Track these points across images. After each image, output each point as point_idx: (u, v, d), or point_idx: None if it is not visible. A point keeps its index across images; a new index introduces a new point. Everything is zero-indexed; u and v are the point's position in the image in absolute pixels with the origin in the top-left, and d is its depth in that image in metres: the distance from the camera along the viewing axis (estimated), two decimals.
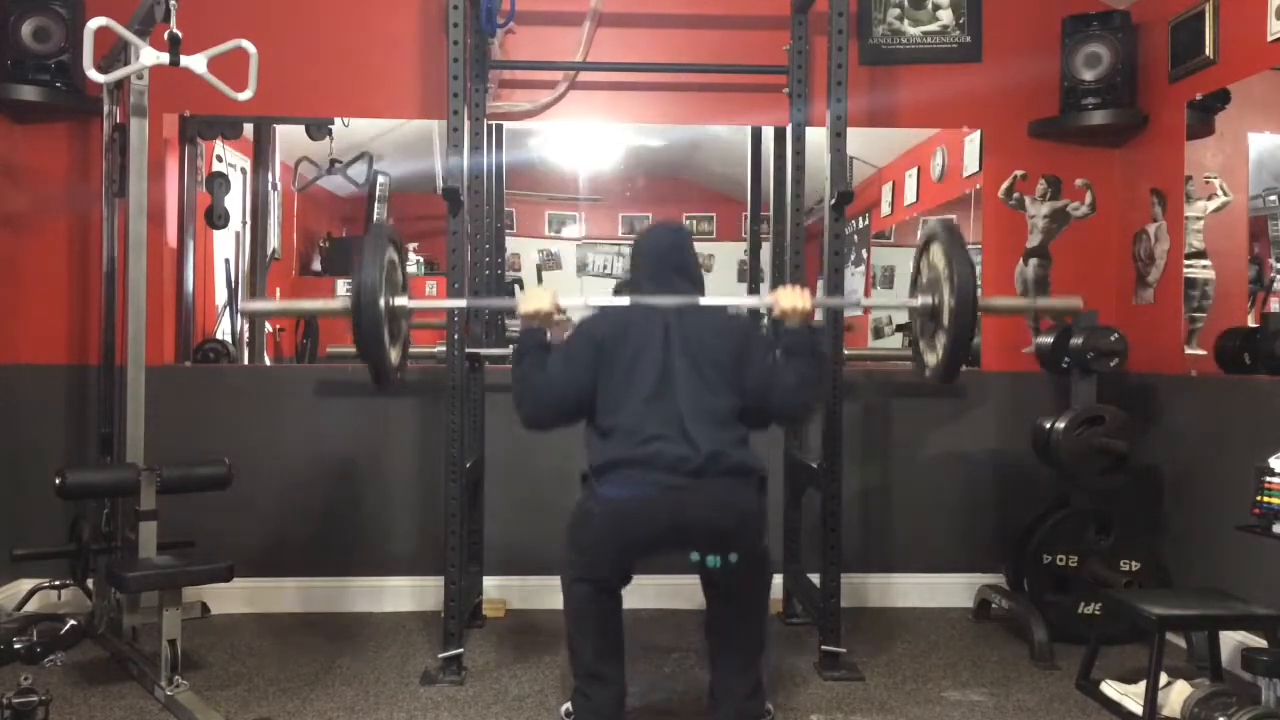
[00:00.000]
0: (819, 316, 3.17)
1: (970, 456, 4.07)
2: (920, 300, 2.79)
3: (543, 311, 2.64)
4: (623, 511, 2.48)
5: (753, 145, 4.12)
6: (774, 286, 3.95)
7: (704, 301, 2.68)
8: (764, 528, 2.60)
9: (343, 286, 4.16)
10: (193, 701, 2.80)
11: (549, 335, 2.67)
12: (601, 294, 4.02)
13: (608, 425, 2.53)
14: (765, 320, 2.86)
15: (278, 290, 4.14)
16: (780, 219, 3.97)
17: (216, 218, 4.01)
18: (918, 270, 2.89)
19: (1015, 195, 4.10)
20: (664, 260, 2.73)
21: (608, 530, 2.51)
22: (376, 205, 4.24)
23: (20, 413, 3.84)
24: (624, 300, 2.73)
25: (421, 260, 4.20)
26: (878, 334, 4.21)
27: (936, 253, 2.72)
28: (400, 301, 2.73)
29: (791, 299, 2.62)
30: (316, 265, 4.21)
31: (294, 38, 3.89)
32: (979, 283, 2.61)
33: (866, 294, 4.22)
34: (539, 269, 4.29)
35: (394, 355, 2.72)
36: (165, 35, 2.99)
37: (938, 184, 4.21)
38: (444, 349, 3.30)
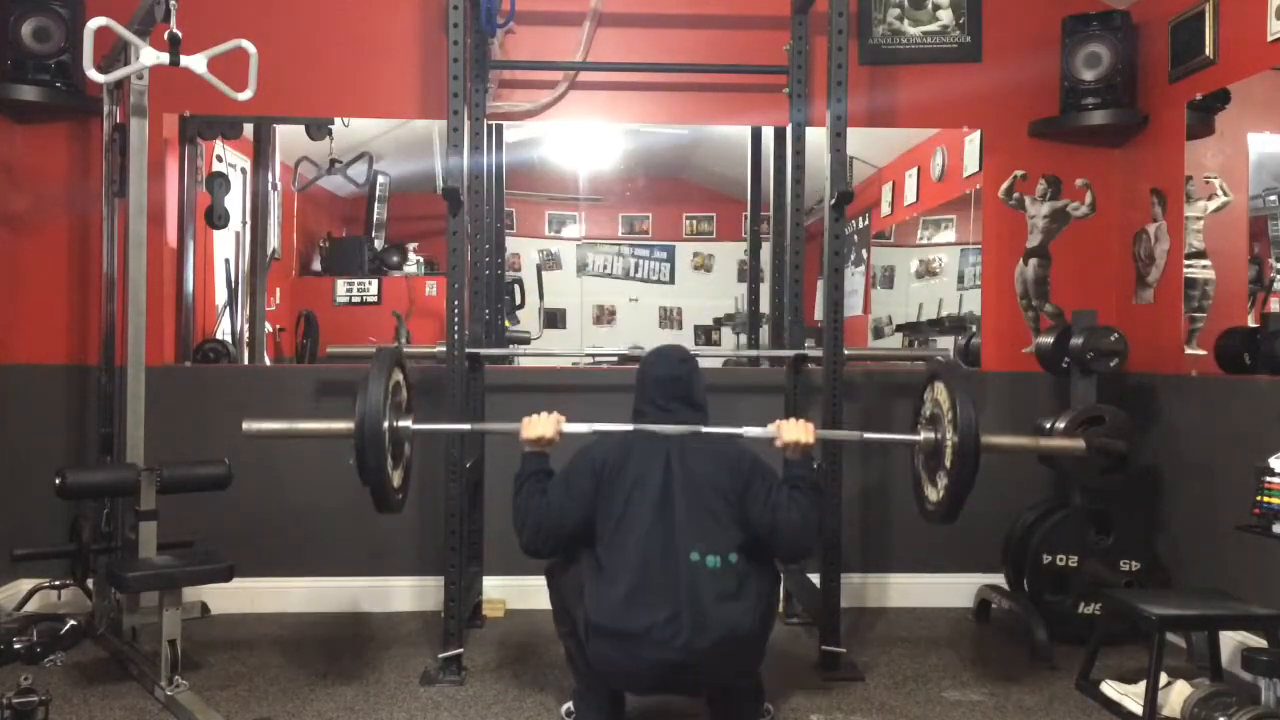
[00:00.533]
0: (819, 305, 3.17)
1: None
2: (923, 435, 2.80)
3: (545, 438, 2.64)
4: (611, 672, 2.50)
5: (753, 145, 4.13)
6: (774, 285, 3.97)
7: (707, 430, 2.64)
8: (762, 654, 2.58)
9: (343, 287, 4.17)
10: (193, 701, 2.80)
11: (550, 460, 2.67)
12: (603, 292, 4.01)
13: (604, 562, 2.49)
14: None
15: (278, 290, 4.14)
16: (780, 219, 3.97)
17: (216, 218, 4.02)
18: (920, 402, 2.89)
19: (1015, 195, 4.10)
20: (665, 388, 2.69)
21: (595, 675, 2.54)
22: (376, 205, 4.25)
23: (20, 413, 3.84)
24: (627, 426, 2.68)
25: (421, 260, 4.20)
26: (878, 334, 4.21)
27: (940, 390, 2.72)
28: (404, 424, 2.74)
29: (795, 432, 2.62)
30: (316, 265, 4.22)
31: (294, 38, 3.89)
32: (979, 426, 2.61)
33: (866, 295, 4.22)
34: (539, 269, 4.30)
35: (396, 478, 2.75)
36: (165, 35, 3.00)
37: (938, 184, 4.21)
38: (444, 349, 3.30)
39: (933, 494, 2.81)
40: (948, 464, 2.66)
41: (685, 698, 2.77)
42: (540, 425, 2.64)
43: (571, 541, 2.57)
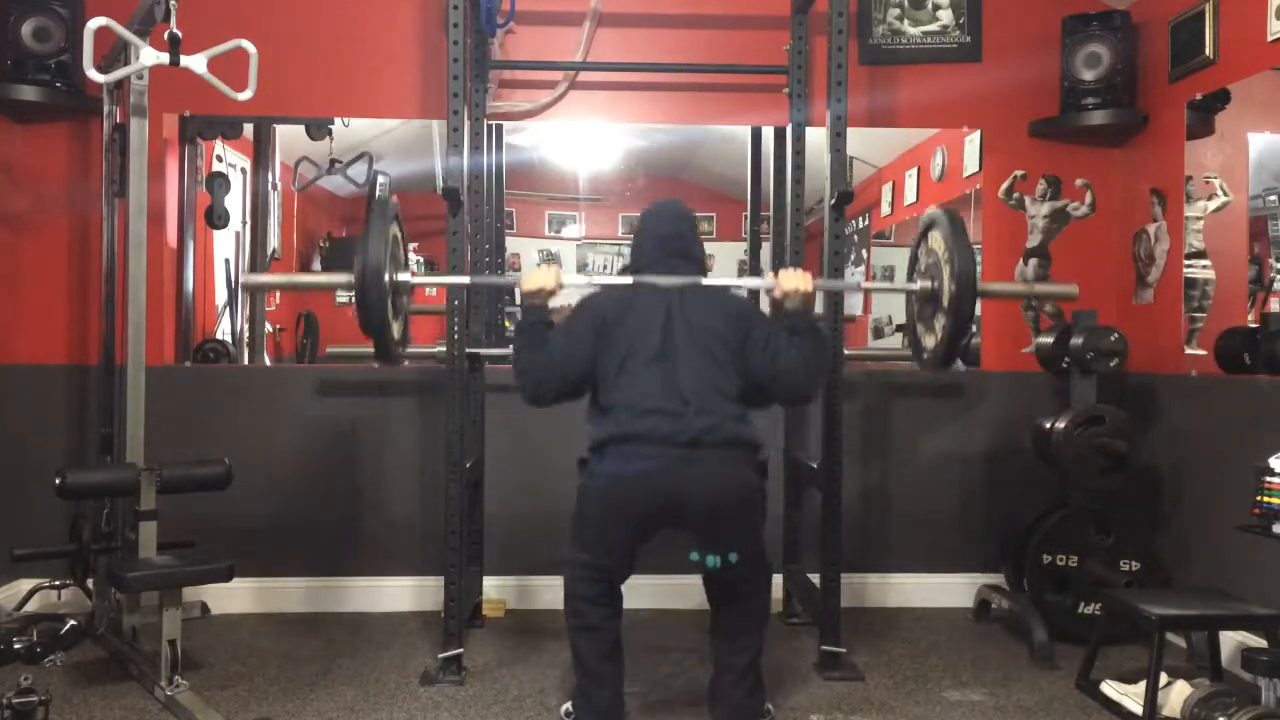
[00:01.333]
0: (820, 301, 3.17)
1: (970, 456, 4.07)
2: (920, 284, 2.80)
3: (545, 289, 2.65)
4: (621, 486, 2.49)
5: (753, 145, 4.12)
6: (775, 270, 3.96)
7: (706, 282, 2.68)
8: (763, 515, 2.59)
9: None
10: (193, 701, 2.80)
11: (551, 314, 2.68)
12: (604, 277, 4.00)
13: (607, 403, 2.54)
14: (766, 302, 2.85)
15: (278, 290, 4.14)
16: (780, 219, 3.97)
17: (216, 218, 4.01)
18: (915, 256, 2.90)
19: (1015, 195, 4.10)
20: (665, 244, 2.72)
21: (606, 506, 2.51)
22: None
23: (20, 413, 3.84)
24: (626, 279, 2.72)
25: (421, 260, 4.20)
26: (878, 334, 4.21)
27: (936, 238, 2.72)
28: (403, 277, 2.74)
29: (793, 280, 2.64)
30: (316, 265, 4.22)
31: (294, 38, 3.89)
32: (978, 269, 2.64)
33: (866, 295, 4.22)
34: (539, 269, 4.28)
35: (396, 330, 2.74)
36: (165, 35, 3.00)
37: (938, 184, 4.21)
38: (444, 349, 3.30)
39: (930, 340, 2.81)
40: (945, 305, 2.66)
41: (684, 694, 2.77)
42: (540, 277, 2.66)
43: (578, 388, 2.60)
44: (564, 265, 4.27)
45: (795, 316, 2.63)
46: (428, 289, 3.99)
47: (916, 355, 2.94)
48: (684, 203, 2.83)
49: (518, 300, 2.72)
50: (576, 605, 2.59)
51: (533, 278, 2.67)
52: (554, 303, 2.70)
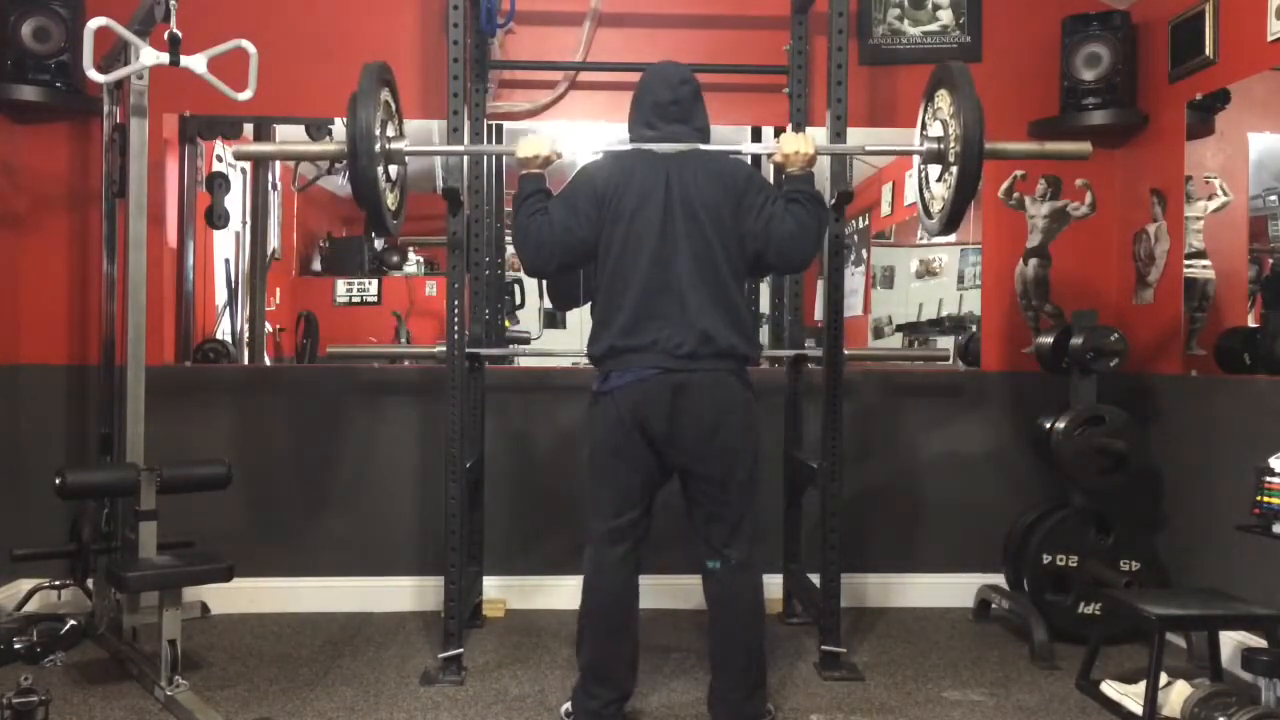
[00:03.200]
0: (825, 305, 3.17)
1: (970, 456, 4.07)
2: (926, 145, 2.79)
3: (542, 156, 2.65)
4: (630, 395, 2.52)
5: None
6: (774, 285, 3.97)
7: (705, 148, 2.65)
8: (754, 425, 2.61)
9: (343, 286, 4.17)
10: (193, 701, 2.80)
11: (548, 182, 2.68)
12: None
13: (611, 307, 2.56)
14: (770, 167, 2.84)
15: (278, 290, 4.14)
16: None
17: (216, 218, 4.01)
18: (924, 118, 2.88)
19: (1015, 195, 4.10)
20: (664, 111, 2.68)
21: (618, 415, 2.54)
22: None
23: (20, 413, 3.84)
24: (626, 146, 2.69)
25: (421, 260, 4.20)
26: (877, 334, 4.21)
27: (943, 96, 2.72)
28: (397, 145, 2.71)
29: (794, 143, 2.63)
30: (317, 265, 4.21)
31: (294, 38, 3.89)
32: (983, 127, 2.61)
33: (867, 295, 4.22)
34: None
35: (391, 200, 2.72)
36: (165, 35, 2.99)
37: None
38: (444, 349, 3.30)
39: (936, 204, 2.81)
40: (950, 160, 2.66)
41: (684, 694, 2.77)
42: (536, 143, 2.65)
43: (579, 258, 2.62)
44: None
45: (796, 181, 2.62)
46: (426, 288, 3.98)
47: (925, 219, 2.93)
48: (684, 67, 2.75)
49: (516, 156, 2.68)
50: (593, 579, 2.60)
51: (528, 144, 2.65)
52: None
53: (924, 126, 2.89)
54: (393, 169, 2.87)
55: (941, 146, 2.74)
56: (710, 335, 2.51)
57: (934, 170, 2.86)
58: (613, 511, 2.59)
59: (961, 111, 2.62)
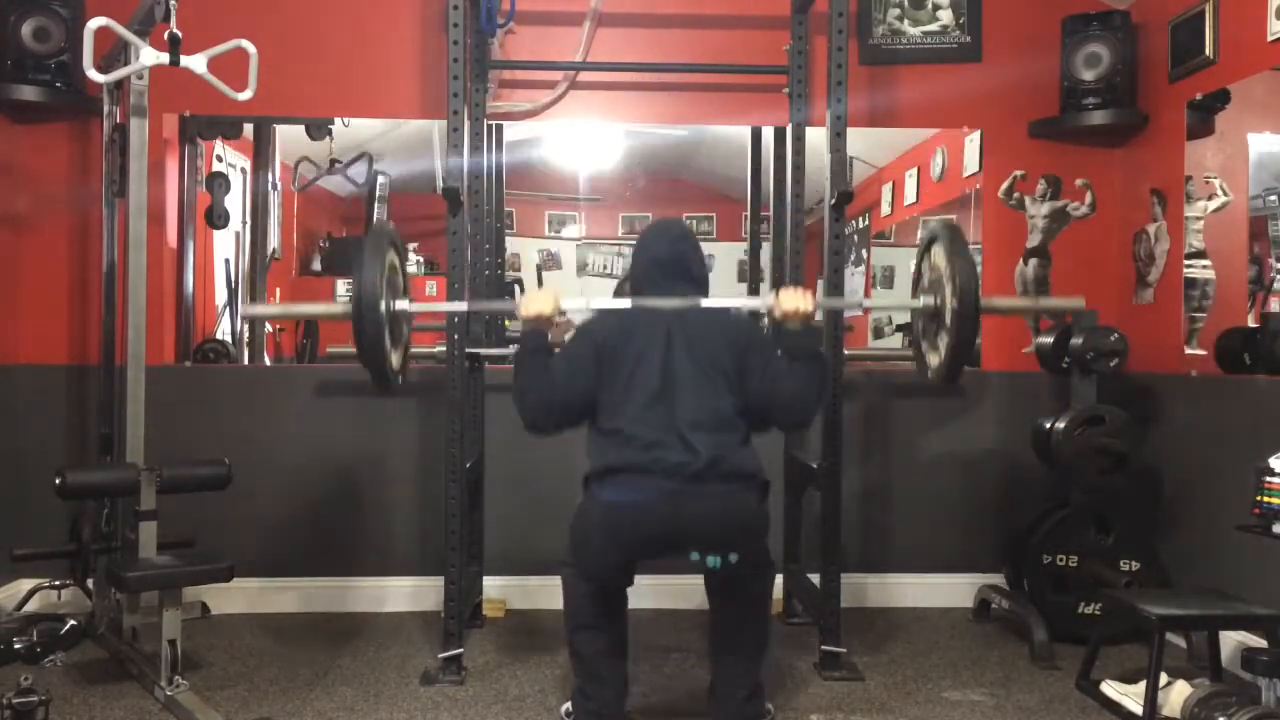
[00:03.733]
0: (819, 317, 3.17)
1: (970, 456, 4.07)
2: (922, 301, 2.79)
3: (544, 314, 2.62)
4: (620, 516, 2.46)
5: (753, 145, 4.12)
6: (774, 287, 3.97)
7: (706, 303, 2.66)
8: (765, 532, 2.58)
9: (343, 287, 4.17)
10: (193, 701, 2.80)
11: (550, 337, 2.66)
12: (603, 295, 4.02)
13: (609, 429, 2.52)
14: (765, 321, 2.85)
15: (278, 290, 4.14)
16: (780, 219, 3.97)
17: (216, 218, 4.02)
18: (919, 271, 2.89)
19: (1015, 195, 4.10)
20: (664, 267, 2.70)
21: (606, 535, 2.49)
22: (376, 205, 4.24)
23: (20, 413, 3.84)
24: (625, 302, 2.71)
25: (421, 260, 4.20)
26: (878, 334, 4.21)
27: (938, 253, 2.72)
28: (401, 305, 2.72)
29: (793, 301, 2.59)
30: (316, 265, 4.22)
31: (294, 38, 3.89)
32: (980, 284, 2.61)
33: (866, 294, 4.22)
34: (539, 269, 4.29)
35: (395, 359, 2.72)
36: (165, 35, 3.00)
37: (938, 184, 4.21)
38: (444, 349, 3.30)
39: (934, 359, 2.80)
40: (948, 324, 2.65)
41: (684, 694, 2.77)
42: (538, 302, 2.63)
43: (579, 416, 2.58)
44: (563, 265, 4.28)
45: (795, 339, 2.59)
46: (426, 288, 3.99)
47: (920, 371, 2.92)
48: (684, 222, 2.79)
49: (519, 315, 2.68)
50: (575, 606, 2.59)
51: (531, 303, 2.63)
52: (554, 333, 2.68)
53: (920, 275, 2.89)
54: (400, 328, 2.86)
55: (938, 303, 2.73)
56: (717, 459, 2.44)
57: (929, 324, 2.84)
58: (591, 594, 2.57)
59: (956, 273, 2.59)
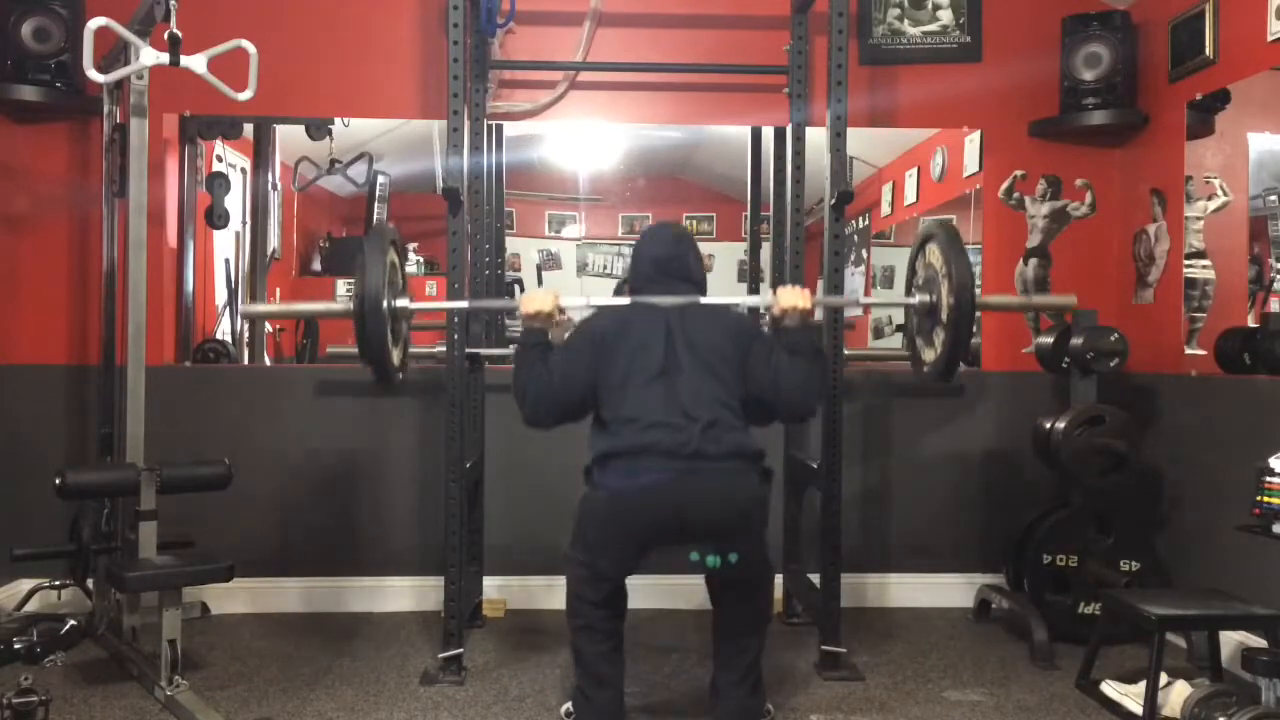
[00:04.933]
0: (819, 315, 3.18)
1: (970, 456, 4.07)
2: (918, 298, 2.80)
3: (544, 312, 2.64)
4: (624, 501, 2.48)
5: (753, 145, 4.12)
6: (774, 286, 3.97)
7: (705, 301, 2.68)
8: (765, 520, 2.59)
9: (343, 287, 4.17)
10: (193, 701, 2.80)
11: (550, 336, 2.67)
12: (603, 294, 4.01)
13: (609, 417, 2.54)
14: (765, 319, 2.86)
15: (277, 290, 4.15)
16: (780, 219, 3.96)
17: (216, 218, 4.02)
18: (913, 270, 2.90)
19: (1015, 195, 4.10)
20: (663, 266, 2.72)
21: (610, 520, 2.51)
22: (376, 205, 4.24)
23: (20, 413, 3.84)
24: (625, 300, 2.73)
25: (421, 260, 4.20)
26: (878, 334, 4.21)
27: (934, 251, 2.72)
28: (402, 303, 2.74)
29: (792, 298, 2.62)
30: (316, 265, 4.22)
31: (294, 38, 3.89)
32: (977, 282, 2.63)
33: (866, 294, 4.22)
34: (539, 269, 4.29)
35: (396, 356, 2.74)
36: (165, 35, 2.99)
37: (938, 184, 4.21)
38: (444, 349, 3.30)
39: (929, 354, 2.81)
40: (944, 320, 2.66)
41: (684, 694, 2.77)
42: (538, 300, 2.65)
43: (579, 411, 2.60)
44: (563, 265, 4.28)
45: (794, 334, 2.61)
46: (426, 288, 3.99)
47: (916, 368, 2.93)
48: (682, 225, 2.81)
49: (519, 315, 2.70)
50: (578, 605, 2.59)
51: (531, 301, 2.66)
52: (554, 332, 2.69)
53: (914, 274, 2.89)
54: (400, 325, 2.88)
55: (934, 300, 2.74)
56: (718, 438, 2.46)
57: (925, 321, 2.85)
58: (593, 562, 2.57)
59: (953, 271, 2.60)
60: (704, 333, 2.58)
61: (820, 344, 2.66)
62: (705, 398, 2.50)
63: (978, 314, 2.81)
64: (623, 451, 2.48)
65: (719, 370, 2.55)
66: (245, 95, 3.09)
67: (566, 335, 2.68)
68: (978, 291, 2.66)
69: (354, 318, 2.57)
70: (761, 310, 2.77)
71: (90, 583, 3.46)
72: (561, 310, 2.67)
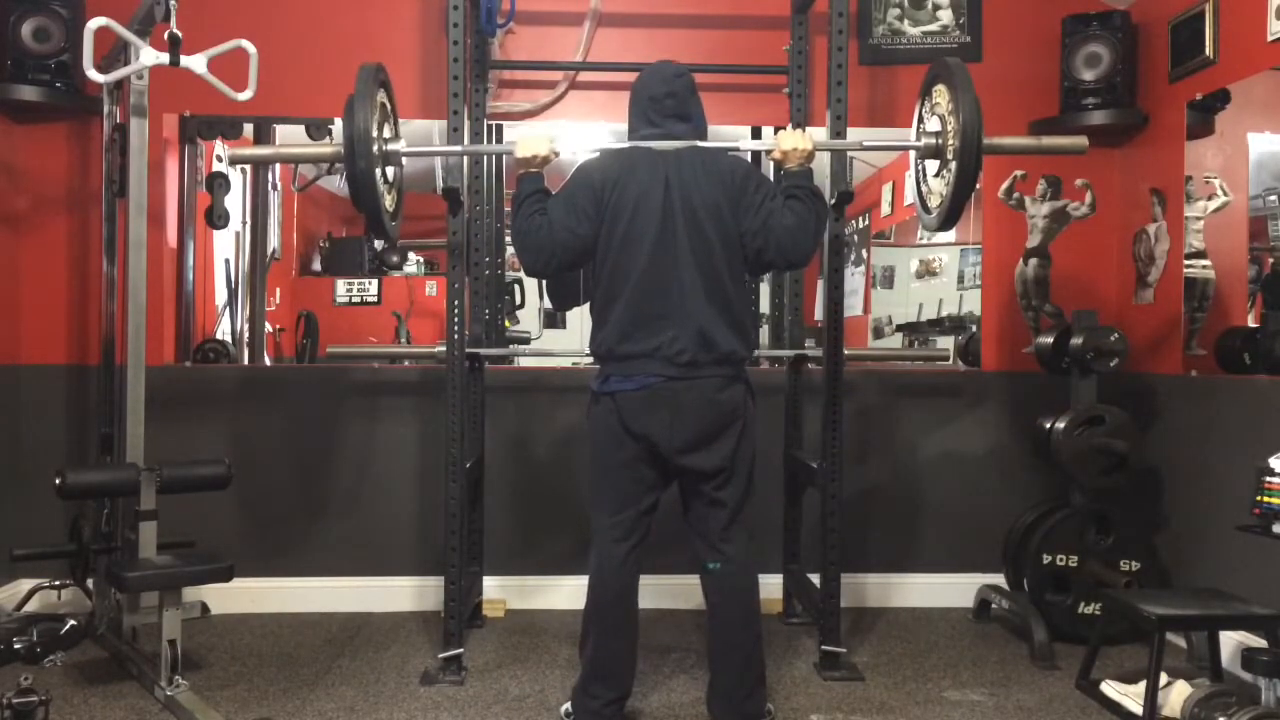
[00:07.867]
0: (827, 307, 3.17)
1: (970, 456, 4.07)
2: (923, 140, 2.79)
3: (540, 156, 2.66)
4: (630, 404, 2.55)
5: None
6: (775, 288, 3.97)
7: (703, 145, 2.67)
8: (751, 421, 2.63)
9: (343, 286, 4.17)
10: (193, 701, 2.80)
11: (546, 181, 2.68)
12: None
13: (609, 306, 2.58)
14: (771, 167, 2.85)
15: (278, 290, 4.14)
16: None
17: (216, 218, 4.01)
18: (920, 115, 2.88)
19: (1015, 195, 4.10)
20: (659, 105, 2.69)
21: (619, 423, 2.56)
22: None
23: (20, 413, 3.84)
24: (624, 144, 2.70)
25: (421, 260, 4.20)
26: (878, 334, 4.21)
27: (942, 91, 2.72)
28: (393, 146, 2.72)
29: (792, 140, 2.66)
30: (317, 265, 4.22)
31: (294, 38, 3.89)
32: (981, 122, 2.61)
33: (866, 295, 4.22)
34: None
35: (389, 202, 2.73)
36: (165, 35, 2.99)
37: None
38: (444, 349, 3.30)
39: (934, 200, 2.82)
40: (949, 158, 2.66)
41: (684, 694, 2.76)
42: (535, 143, 2.66)
43: (577, 260, 2.63)
44: None
45: (794, 177, 2.64)
46: (426, 288, 3.98)
47: (923, 216, 2.94)
48: (680, 65, 2.77)
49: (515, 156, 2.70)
50: (598, 577, 2.61)
51: (526, 144, 2.66)
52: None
53: (920, 121, 2.89)
54: (390, 170, 2.88)
55: (939, 142, 2.74)
56: (710, 339, 2.53)
57: (931, 166, 2.86)
58: (615, 508, 2.62)
59: (960, 107, 2.61)
60: (701, 186, 2.57)
61: (817, 187, 2.66)
62: (701, 286, 2.53)
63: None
64: (620, 355, 2.56)
65: (715, 235, 2.55)
66: (245, 95, 3.10)
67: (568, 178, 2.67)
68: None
69: (343, 159, 2.56)
70: (764, 153, 2.76)
71: (90, 583, 3.46)
72: (557, 154, 2.69)
